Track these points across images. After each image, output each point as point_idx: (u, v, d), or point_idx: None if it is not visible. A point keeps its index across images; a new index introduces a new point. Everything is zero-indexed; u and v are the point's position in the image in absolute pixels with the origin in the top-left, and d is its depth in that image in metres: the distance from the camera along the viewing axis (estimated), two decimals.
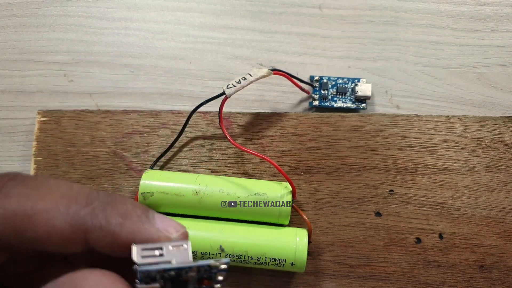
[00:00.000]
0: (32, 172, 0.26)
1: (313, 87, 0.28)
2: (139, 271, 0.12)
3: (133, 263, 0.13)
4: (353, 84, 0.28)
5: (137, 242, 0.13)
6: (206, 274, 0.13)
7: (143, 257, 0.13)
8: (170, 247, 0.13)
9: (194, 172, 0.26)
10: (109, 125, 0.27)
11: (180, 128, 0.26)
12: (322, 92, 0.28)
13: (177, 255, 0.13)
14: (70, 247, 0.13)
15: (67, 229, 0.12)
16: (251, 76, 0.24)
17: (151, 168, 0.26)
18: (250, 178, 0.26)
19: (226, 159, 0.26)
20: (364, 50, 0.29)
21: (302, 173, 0.26)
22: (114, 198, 0.13)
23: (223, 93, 0.24)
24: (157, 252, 0.13)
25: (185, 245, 0.13)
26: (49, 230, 0.12)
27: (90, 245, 0.13)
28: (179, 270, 0.12)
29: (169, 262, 0.13)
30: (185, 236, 0.13)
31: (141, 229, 0.13)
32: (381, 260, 0.25)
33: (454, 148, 0.26)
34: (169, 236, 0.13)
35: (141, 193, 0.23)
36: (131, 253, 0.13)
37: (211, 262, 0.13)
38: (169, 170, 0.26)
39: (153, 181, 0.24)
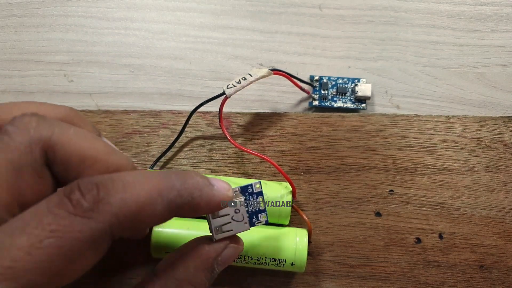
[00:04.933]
0: None
1: (313, 87, 0.28)
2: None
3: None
4: (353, 84, 0.28)
5: (210, 206, 0.17)
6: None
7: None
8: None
9: None
10: (109, 125, 0.27)
11: (180, 128, 0.26)
12: (322, 92, 0.28)
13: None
14: (162, 222, 0.17)
15: (166, 213, 0.16)
16: (251, 76, 0.24)
17: (151, 168, 0.26)
18: (250, 178, 0.26)
19: (226, 159, 0.26)
20: (364, 50, 0.29)
21: (302, 173, 0.26)
22: (184, 175, 0.16)
23: (223, 93, 0.24)
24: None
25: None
26: (154, 219, 0.16)
27: (176, 216, 0.17)
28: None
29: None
30: (231, 192, 0.18)
31: (211, 196, 0.17)
32: (381, 260, 0.25)
33: (454, 148, 0.26)
34: (228, 195, 0.18)
35: None
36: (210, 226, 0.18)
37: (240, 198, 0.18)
38: None
39: None
